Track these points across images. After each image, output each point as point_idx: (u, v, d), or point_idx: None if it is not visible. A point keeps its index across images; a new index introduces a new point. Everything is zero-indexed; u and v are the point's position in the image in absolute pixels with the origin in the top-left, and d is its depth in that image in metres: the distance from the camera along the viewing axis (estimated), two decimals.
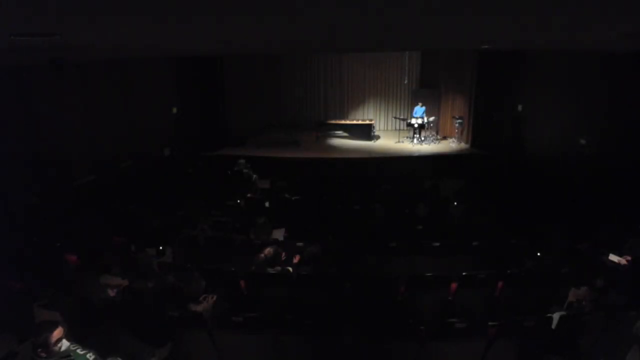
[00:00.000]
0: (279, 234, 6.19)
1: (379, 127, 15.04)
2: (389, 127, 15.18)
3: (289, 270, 4.86)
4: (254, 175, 9.59)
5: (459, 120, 12.52)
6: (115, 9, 2.41)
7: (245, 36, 4.74)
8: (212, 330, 3.70)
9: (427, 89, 14.32)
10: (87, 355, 2.92)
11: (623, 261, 4.99)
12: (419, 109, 12.87)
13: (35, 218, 6.60)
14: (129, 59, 9.16)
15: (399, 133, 13.55)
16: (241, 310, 3.83)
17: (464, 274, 4.53)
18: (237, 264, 5.08)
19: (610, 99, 7.95)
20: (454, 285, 4.52)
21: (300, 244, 5.54)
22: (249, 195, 8.31)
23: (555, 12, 2.91)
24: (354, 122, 14.05)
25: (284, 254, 4.95)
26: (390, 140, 13.45)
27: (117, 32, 3.75)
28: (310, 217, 7.01)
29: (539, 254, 5.21)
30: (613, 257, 5.05)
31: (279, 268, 4.83)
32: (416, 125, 12.63)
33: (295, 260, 4.90)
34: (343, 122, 14.10)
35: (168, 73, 11.12)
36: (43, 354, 2.77)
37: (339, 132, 13.87)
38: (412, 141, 12.75)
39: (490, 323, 3.63)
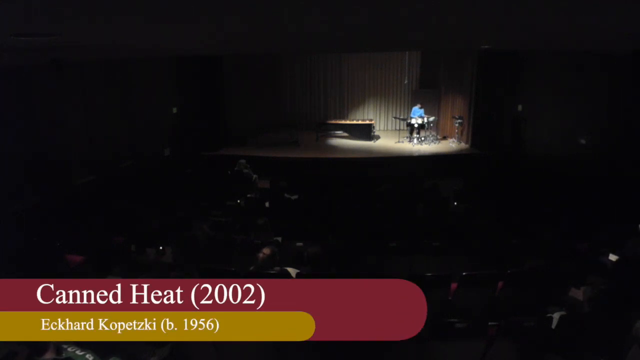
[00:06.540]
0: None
1: (379, 127, 15.03)
2: (389, 127, 15.18)
3: (287, 271, 4.85)
4: (254, 175, 9.58)
5: (459, 120, 12.52)
6: (115, 9, 2.42)
7: (245, 36, 4.75)
8: None
9: (427, 89, 14.32)
10: (87, 356, 2.91)
11: None
12: (417, 110, 12.86)
13: (35, 218, 6.60)
14: (129, 59, 9.17)
15: (399, 133, 13.55)
16: None
17: (464, 274, 4.53)
18: (237, 264, 5.08)
19: (610, 99, 7.95)
20: (454, 285, 4.51)
21: (300, 244, 5.53)
22: (249, 195, 8.31)
23: (555, 12, 2.91)
24: (354, 122, 14.05)
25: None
26: (390, 140, 13.45)
27: (117, 32, 3.75)
28: (310, 217, 7.00)
29: (539, 254, 5.20)
30: (613, 257, 5.05)
31: (278, 268, 4.82)
32: (416, 125, 12.63)
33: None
34: (343, 122, 14.10)
35: (168, 73, 11.12)
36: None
37: (339, 132, 13.87)
38: (412, 141, 12.75)
39: (490, 323, 3.63)
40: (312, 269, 4.69)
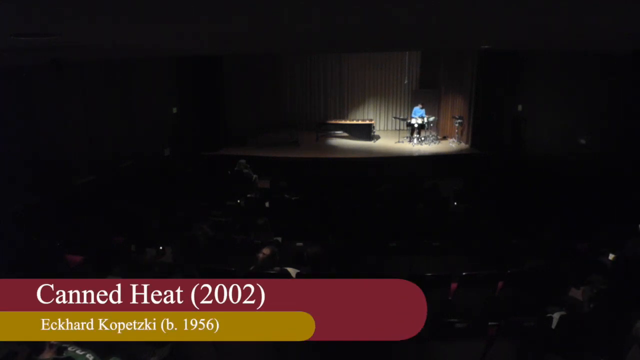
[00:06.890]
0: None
1: (379, 127, 15.03)
2: (389, 127, 15.18)
3: (287, 271, 4.85)
4: (254, 175, 9.58)
5: (459, 120, 12.52)
6: (115, 9, 2.42)
7: (245, 36, 4.75)
8: None
9: (427, 89, 14.32)
10: (87, 356, 2.91)
11: None
12: (418, 110, 12.86)
13: (35, 218, 6.60)
14: (129, 59, 9.17)
15: (399, 133, 13.55)
16: None
17: (464, 274, 4.53)
18: (237, 264, 5.08)
19: (610, 99, 7.95)
20: (454, 285, 4.51)
21: (300, 244, 5.52)
22: (249, 195, 8.31)
23: (555, 12, 2.91)
24: (354, 122, 14.05)
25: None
26: (390, 140, 13.45)
27: (117, 32, 3.75)
28: (310, 217, 7.00)
29: (539, 254, 5.21)
30: (613, 257, 5.05)
31: (278, 268, 4.82)
32: (416, 125, 12.62)
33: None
34: (343, 122, 14.10)
35: (168, 73, 11.12)
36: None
37: (339, 132, 13.87)
38: (412, 141, 12.75)
39: (490, 323, 3.63)
40: (312, 269, 4.69)
